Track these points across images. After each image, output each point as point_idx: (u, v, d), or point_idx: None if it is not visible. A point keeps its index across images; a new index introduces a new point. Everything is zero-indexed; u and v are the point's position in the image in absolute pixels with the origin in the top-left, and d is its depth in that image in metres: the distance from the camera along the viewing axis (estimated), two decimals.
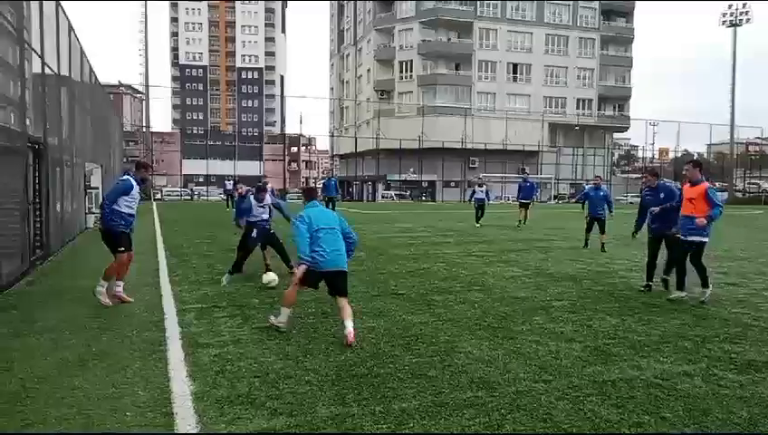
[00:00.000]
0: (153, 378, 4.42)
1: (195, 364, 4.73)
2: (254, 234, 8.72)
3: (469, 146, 55.34)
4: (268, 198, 9.11)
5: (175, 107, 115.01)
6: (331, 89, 79.90)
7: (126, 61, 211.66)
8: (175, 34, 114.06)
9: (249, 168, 65.93)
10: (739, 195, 52.69)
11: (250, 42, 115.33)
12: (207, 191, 54.83)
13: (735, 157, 57.59)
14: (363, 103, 64.80)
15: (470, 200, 21.42)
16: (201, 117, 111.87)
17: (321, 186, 24.59)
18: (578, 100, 62.18)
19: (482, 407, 3.85)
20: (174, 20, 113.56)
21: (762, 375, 4.50)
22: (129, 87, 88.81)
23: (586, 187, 15.39)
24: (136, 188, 6.91)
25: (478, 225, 19.52)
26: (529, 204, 20.38)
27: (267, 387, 4.22)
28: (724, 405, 3.89)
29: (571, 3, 61.22)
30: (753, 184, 56.11)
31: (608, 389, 4.18)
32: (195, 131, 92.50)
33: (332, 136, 74.65)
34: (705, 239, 7.03)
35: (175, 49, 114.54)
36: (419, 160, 54.54)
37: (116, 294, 6.87)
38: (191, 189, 53.74)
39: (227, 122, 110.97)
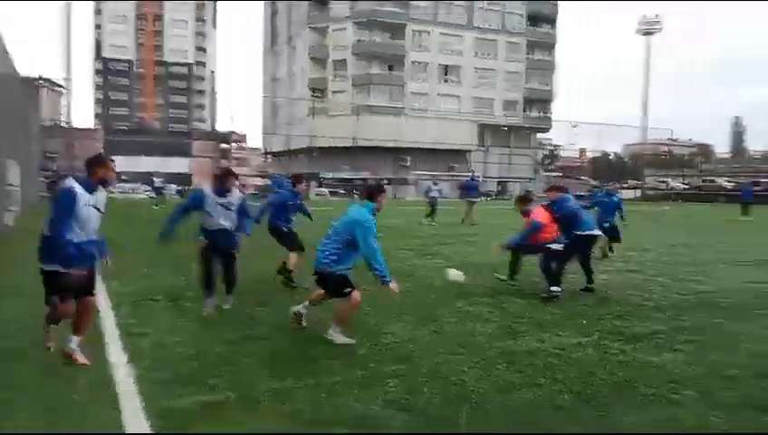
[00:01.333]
0: (94, 366, 4.62)
1: (134, 352, 4.95)
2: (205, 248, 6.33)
3: (401, 145, 56.34)
4: (236, 195, 6.39)
5: (97, 101, 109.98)
6: (264, 86, 79.02)
7: (45, 52, 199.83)
8: (98, 27, 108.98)
9: (177, 165, 64.27)
10: (650, 192, 56.52)
11: (179, 36, 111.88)
12: (133, 189, 53.07)
13: (647, 156, 61.75)
14: (297, 101, 64.58)
15: (425, 196, 22.08)
16: (126, 112, 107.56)
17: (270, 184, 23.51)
18: (505, 101, 64.67)
19: (404, 377, 4.35)
20: (98, 11, 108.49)
21: (642, 344, 5.25)
22: (48, 80, 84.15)
23: (599, 192, 13.97)
24: (84, 199, 4.40)
25: (433, 223, 19.65)
26: (475, 202, 21.09)
27: (207, 369, 4.52)
28: (608, 368, 4.57)
29: (500, 8, 63.51)
30: (663, 182, 60.29)
31: (513, 359, 4.78)
32: (119, 127, 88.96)
33: (265, 134, 73.84)
34: (558, 247, 7.33)
35: (98, 41, 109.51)
36: (353, 159, 55.00)
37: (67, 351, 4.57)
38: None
39: (154, 118, 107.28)
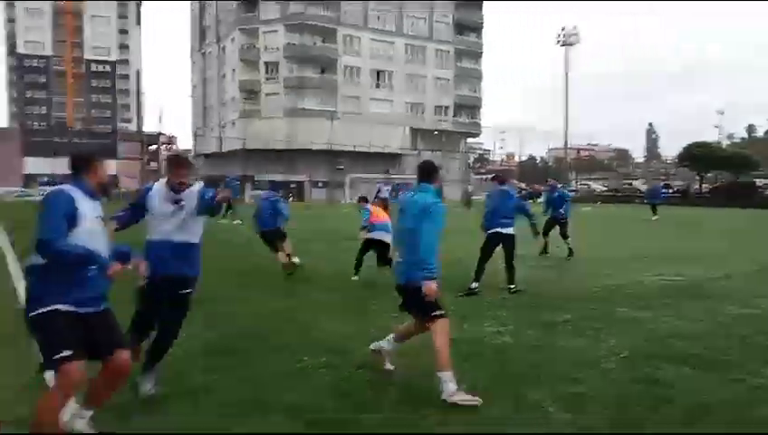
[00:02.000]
0: (24, 368, 4.58)
1: None
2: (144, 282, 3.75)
3: (335, 148, 56.49)
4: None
5: (12, 100, 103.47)
6: (194, 86, 76.94)
7: None
8: (11, 20, 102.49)
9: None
10: (573, 194, 59.58)
11: (101, 33, 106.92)
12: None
13: (569, 161, 64.93)
14: (228, 103, 63.37)
15: (375, 199, 22.44)
16: (44, 111, 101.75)
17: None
18: (436, 107, 66.11)
19: (335, 367, 4.60)
20: (10, 4, 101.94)
21: (553, 331, 5.73)
22: None
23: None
24: (88, 205, 3.15)
25: None
26: None
27: (140, 366, 4.58)
28: (522, 352, 5.01)
29: (427, 17, 64.90)
30: (584, 184, 63.61)
31: None
32: (37, 127, 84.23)
33: (196, 135, 71.90)
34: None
35: (12, 36, 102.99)
36: (287, 161, 54.63)
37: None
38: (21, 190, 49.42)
39: (75, 118, 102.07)
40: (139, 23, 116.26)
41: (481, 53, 69.96)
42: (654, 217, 25.37)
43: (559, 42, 58.49)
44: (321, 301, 7.20)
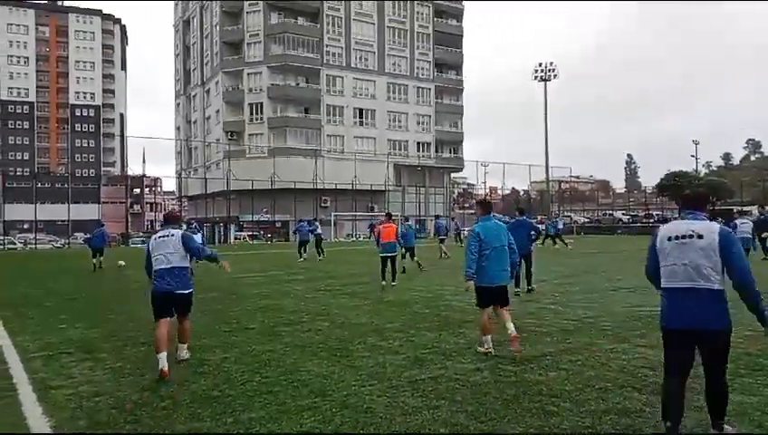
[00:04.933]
0: (6, 418, 4.64)
1: (50, 404, 5.00)
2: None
3: (320, 186, 56.84)
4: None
5: None
6: (178, 128, 77.40)
7: None
8: None
9: (85, 211, 61.12)
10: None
11: (85, 78, 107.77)
12: (36, 239, 49.99)
13: (551, 193, 65.85)
14: (213, 144, 63.78)
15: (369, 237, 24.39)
16: (27, 157, 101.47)
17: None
18: (418, 143, 67.12)
19: (317, 409, 4.70)
20: None
21: (531, 366, 5.89)
22: None
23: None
24: None
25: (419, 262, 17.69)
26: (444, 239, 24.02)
27: (126, 415, 4.67)
28: (500, 388, 5.15)
29: (407, 56, 66.48)
30: (567, 216, 64.34)
31: (418, 386, 5.26)
32: (19, 173, 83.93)
33: (180, 177, 71.92)
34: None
35: None
36: (272, 201, 54.76)
37: None
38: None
39: (59, 163, 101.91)
40: (123, 67, 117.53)
41: (461, 89, 71.52)
42: (555, 247, 28.50)
43: (536, 77, 60.00)
44: (306, 343, 7.30)
